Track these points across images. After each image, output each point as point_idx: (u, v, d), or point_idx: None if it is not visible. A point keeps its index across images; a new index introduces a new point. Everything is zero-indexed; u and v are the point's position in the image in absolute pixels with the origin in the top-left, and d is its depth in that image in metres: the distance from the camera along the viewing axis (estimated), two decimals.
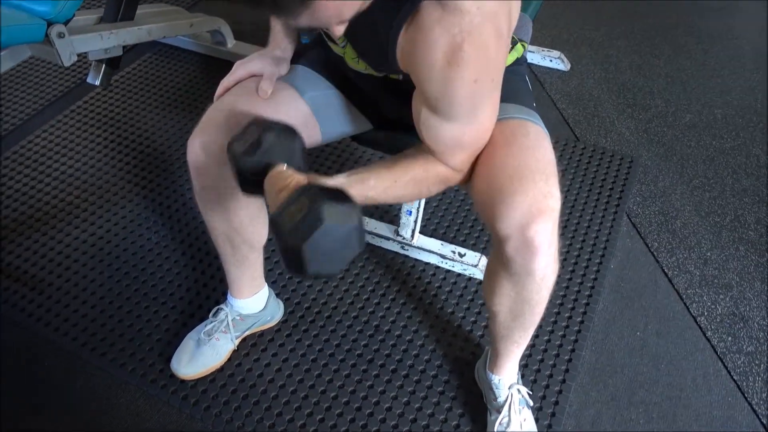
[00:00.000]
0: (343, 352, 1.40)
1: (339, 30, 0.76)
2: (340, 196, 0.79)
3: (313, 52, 1.17)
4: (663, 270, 1.58)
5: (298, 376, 1.36)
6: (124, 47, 1.76)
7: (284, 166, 0.88)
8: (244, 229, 1.18)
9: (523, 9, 1.61)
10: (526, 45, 1.16)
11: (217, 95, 1.12)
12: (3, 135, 1.95)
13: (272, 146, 0.87)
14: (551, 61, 2.24)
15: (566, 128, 1.98)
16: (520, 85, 1.10)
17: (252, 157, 0.87)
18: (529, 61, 2.26)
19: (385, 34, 0.87)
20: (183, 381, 1.33)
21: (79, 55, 1.60)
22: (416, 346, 1.41)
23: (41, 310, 1.47)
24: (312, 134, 1.13)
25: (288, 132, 0.90)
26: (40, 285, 1.52)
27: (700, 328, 1.46)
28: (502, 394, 1.22)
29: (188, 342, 1.36)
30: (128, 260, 1.59)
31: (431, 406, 1.31)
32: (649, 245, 1.64)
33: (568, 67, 2.24)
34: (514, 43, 1.11)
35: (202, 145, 1.04)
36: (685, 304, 1.51)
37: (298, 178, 0.85)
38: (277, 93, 1.08)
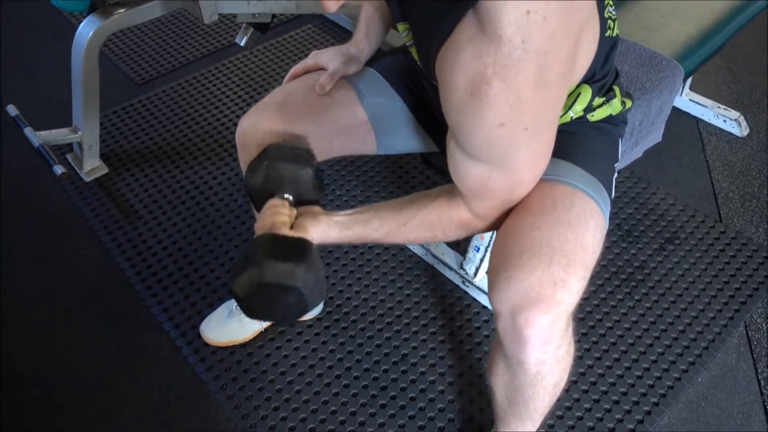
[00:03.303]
0: (361, 369, 1.34)
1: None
2: (293, 251, 0.78)
3: (392, 58, 1.10)
4: (765, 406, 1.28)
5: (308, 377, 1.33)
6: (273, 14, 1.83)
7: (282, 197, 0.88)
8: None
9: (679, 58, 1.38)
10: (629, 102, 0.98)
11: (285, 80, 1.11)
12: (163, 73, 2.15)
13: (273, 175, 0.87)
14: (725, 121, 1.90)
15: (712, 203, 1.68)
16: (598, 147, 0.93)
17: (254, 182, 0.88)
18: (698, 116, 1.95)
19: (431, 34, 0.74)
20: (207, 344, 1.37)
21: (225, 16, 1.68)
22: (436, 390, 1.30)
23: (124, 237, 1.60)
24: (365, 141, 1.08)
25: (298, 160, 0.88)
26: (133, 215, 1.66)
27: None
28: None
29: (223, 309, 1.39)
30: (210, 215, 1.66)
31: None
32: (759, 371, 1.34)
33: (745, 133, 1.89)
34: (611, 97, 0.94)
35: (250, 125, 1.04)
36: None
37: (275, 221, 0.83)
38: (336, 92, 1.04)
